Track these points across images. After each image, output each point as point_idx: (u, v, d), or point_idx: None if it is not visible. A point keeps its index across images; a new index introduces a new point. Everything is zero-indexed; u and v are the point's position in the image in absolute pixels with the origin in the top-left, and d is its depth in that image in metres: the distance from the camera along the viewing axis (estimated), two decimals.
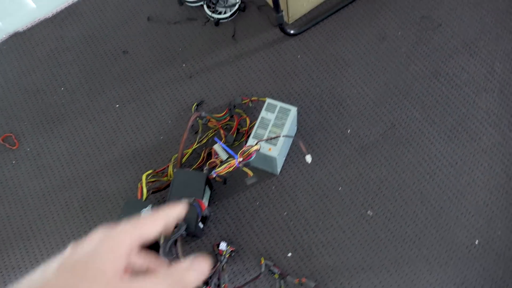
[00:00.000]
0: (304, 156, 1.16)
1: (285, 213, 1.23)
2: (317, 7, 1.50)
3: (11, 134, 1.42)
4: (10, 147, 1.40)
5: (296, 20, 1.49)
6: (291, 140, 1.30)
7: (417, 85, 1.35)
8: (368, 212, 1.21)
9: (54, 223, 1.29)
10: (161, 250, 0.99)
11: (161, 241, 0.98)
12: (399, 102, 1.34)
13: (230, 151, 1.12)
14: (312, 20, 1.47)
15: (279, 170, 1.25)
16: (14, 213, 1.31)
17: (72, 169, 1.35)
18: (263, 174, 1.28)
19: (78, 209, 1.30)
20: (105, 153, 1.36)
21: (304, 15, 1.49)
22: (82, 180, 1.33)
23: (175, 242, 1.03)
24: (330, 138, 1.31)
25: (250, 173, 1.12)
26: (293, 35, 1.44)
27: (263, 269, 1.15)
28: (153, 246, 1.05)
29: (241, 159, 1.09)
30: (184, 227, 1.06)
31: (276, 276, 1.15)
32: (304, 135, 1.31)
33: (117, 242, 0.30)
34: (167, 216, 0.35)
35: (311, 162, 1.27)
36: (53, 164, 1.37)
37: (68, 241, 1.27)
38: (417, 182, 1.23)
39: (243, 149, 1.10)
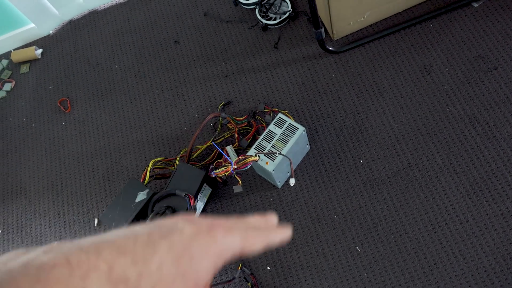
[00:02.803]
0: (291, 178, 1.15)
1: None
2: (366, 28, 1.45)
3: (67, 99, 1.62)
4: (64, 110, 1.60)
5: (341, 38, 1.45)
6: (301, 157, 1.30)
7: (449, 129, 1.26)
8: (357, 248, 1.18)
9: (80, 185, 1.46)
10: None
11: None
12: (424, 142, 1.25)
13: (227, 157, 1.16)
14: (357, 40, 1.42)
15: (279, 184, 1.26)
16: (52, 169, 1.51)
17: (105, 140, 1.51)
18: (266, 184, 1.30)
19: (101, 177, 1.45)
20: (135, 133, 1.49)
21: (351, 34, 1.45)
22: (111, 152, 1.48)
23: None
24: (340, 164, 1.28)
25: (240, 182, 1.15)
26: (333, 52, 1.42)
27: (237, 274, 1.19)
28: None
29: (235, 166, 1.13)
30: (169, 216, 1.13)
31: (249, 285, 1.18)
32: (315, 155, 1.30)
33: (220, 253, 0.29)
34: (271, 241, 0.33)
35: (314, 183, 1.27)
36: (92, 132, 1.53)
37: (86, 204, 1.43)
38: (417, 231, 1.16)
39: (239, 157, 1.13)
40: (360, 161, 1.27)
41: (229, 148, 1.29)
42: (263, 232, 0.32)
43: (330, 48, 1.41)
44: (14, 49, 1.79)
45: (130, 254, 0.25)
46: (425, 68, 1.35)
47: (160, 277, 0.26)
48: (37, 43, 1.79)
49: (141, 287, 0.24)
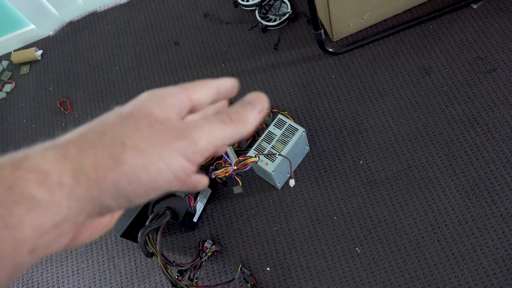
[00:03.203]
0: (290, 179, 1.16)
1: (275, 228, 1.25)
2: (365, 30, 1.45)
3: (67, 100, 1.62)
4: (64, 111, 1.60)
5: (340, 40, 1.46)
6: (301, 158, 1.30)
7: (448, 130, 1.26)
8: (357, 248, 1.18)
9: None
10: (140, 233, 1.09)
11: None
12: (423, 143, 1.26)
13: (226, 158, 1.16)
14: (356, 42, 1.43)
15: (279, 185, 1.27)
16: None
17: None
18: (266, 185, 1.30)
19: None
20: None
21: (351, 36, 1.46)
22: None
23: (157, 229, 1.12)
24: (340, 165, 1.28)
25: (240, 183, 1.16)
26: (333, 53, 1.42)
27: (237, 275, 1.19)
28: (134, 230, 1.14)
29: (235, 167, 1.14)
30: (169, 216, 1.14)
31: (249, 286, 1.18)
32: (315, 156, 1.31)
33: (165, 96, 0.27)
34: (218, 82, 0.30)
35: (314, 184, 1.27)
36: None
37: None
38: (416, 231, 1.16)
39: (239, 158, 1.14)
40: (359, 162, 1.27)
41: (229, 149, 1.29)
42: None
43: (330, 50, 1.41)
44: (14, 50, 1.80)
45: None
46: (424, 70, 1.36)
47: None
48: (37, 44, 1.79)
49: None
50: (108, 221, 0.29)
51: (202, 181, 0.30)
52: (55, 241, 0.23)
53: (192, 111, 0.29)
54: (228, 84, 0.31)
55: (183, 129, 0.26)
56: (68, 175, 0.23)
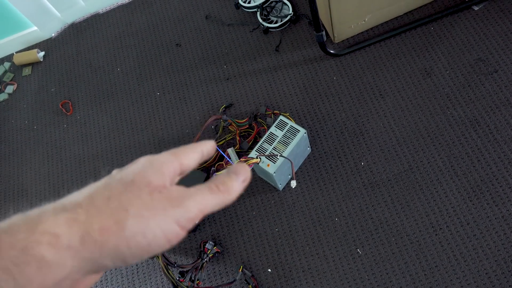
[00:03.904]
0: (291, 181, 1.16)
1: (277, 230, 1.25)
2: (367, 31, 1.45)
3: (69, 101, 1.62)
4: (66, 112, 1.61)
5: (342, 41, 1.46)
6: (302, 159, 1.30)
7: (450, 132, 1.26)
8: (358, 250, 1.18)
9: (81, 187, 1.45)
10: None
11: None
12: (425, 145, 1.26)
13: (228, 159, 1.16)
14: (358, 43, 1.43)
15: (280, 186, 1.27)
16: (53, 171, 1.51)
17: (107, 142, 1.51)
18: (267, 186, 1.30)
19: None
20: (137, 135, 1.50)
21: (352, 37, 1.46)
22: (112, 154, 1.48)
23: None
24: (341, 167, 1.28)
25: None
26: (334, 55, 1.43)
27: (238, 276, 1.19)
28: None
29: None
30: None
31: (250, 287, 1.18)
32: (316, 158, 1.31)
33: (162, 164, 0.31)
34: (202, 146, 0.35)
35: (315, 185, 1.27)
36: (94, 134, 1.54)
37: None
38: (418, 233, 1.16)
39: (240, 159, 1.14)
40: (361, 164, 1.27)
41: (230, 151, 1.29)
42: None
43: (331, 51, 1.41)
44: (16, 52, 1.80)
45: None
46: (425, 71, 1.36)
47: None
48: (39, 45, 1.79)
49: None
50: (99, 276, 0.31)
51: None
52: None
53: (181, 173, 0.33)
54: (210, 147, 0.36)
55: (178, 197, 0.29)
56: (76, 238, 0.25)
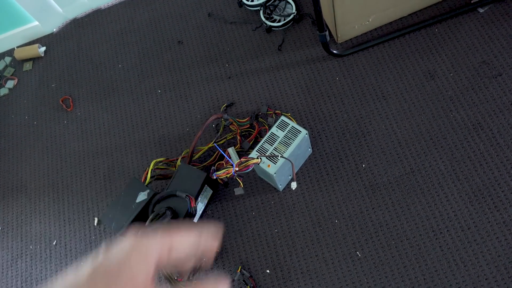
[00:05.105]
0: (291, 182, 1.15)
1: (276, 230, 1.24)
2: (370, 32, 1.44)
3: (69, 97, 1.62)
4: (66, 108, 1.60)
5: (345, 42, 1.45)
6: (303, 160, 1.29)
7: (452, 135, 1.25)
8: (357, 252, 1.17)
9: (81, 184, 1.46)
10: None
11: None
12: (427, 148, 1.25)
13: (228, 158, 1.16)
14: (361, 44, 1.42)
15: (281, 187, 1.26)
16: (53, 167, 1.51)
17: (107, 139, 1.50)
18: (267, 187, 1.29)
19: (102, 176, 1.45)
20: (137, 132, 1.49)
21: (355, 38, 1.45)
22: (112, 151, 1.48)
23: None
24: (342, 168, 1.27)
25: (241, 184, 1.15)
26: (337, 55, 1.41)
27: (237, 277, 1.19)
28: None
29: (237, 168, 1.13)
30: (169, 217, 1.14)
31: None
32: (317, 159, 1.30)
33: (148, 251, 0.31)
34: (200, 234, 0.34)
35: (316, 187, 1.26)
36: (94, 131, 1.53)
37: (87, 203, 1.42)
38: (418, 237, 1.15)
39: (240, 159, 1.13)
40: (362, 166, 1.27)
41: (231, 150, 1.28)
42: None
43: (334, 51, 1.40)
44: (17, 47, 1.79)
45: None
46: (429, 73, 1.35)
47: None
48: (40, 41, 1.79)
49: None
50: None
51: None
52: None
53: (169, 259, 0.34)
54: (209, 239, 0.36)
55: None
56: None
